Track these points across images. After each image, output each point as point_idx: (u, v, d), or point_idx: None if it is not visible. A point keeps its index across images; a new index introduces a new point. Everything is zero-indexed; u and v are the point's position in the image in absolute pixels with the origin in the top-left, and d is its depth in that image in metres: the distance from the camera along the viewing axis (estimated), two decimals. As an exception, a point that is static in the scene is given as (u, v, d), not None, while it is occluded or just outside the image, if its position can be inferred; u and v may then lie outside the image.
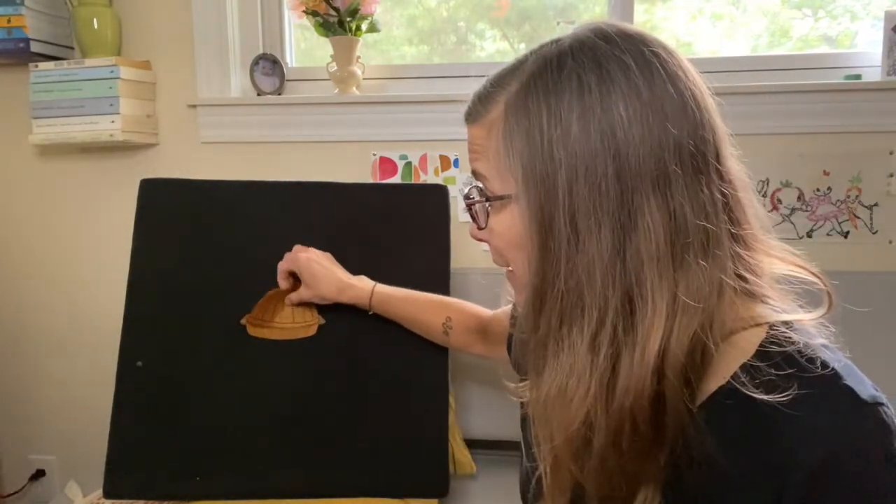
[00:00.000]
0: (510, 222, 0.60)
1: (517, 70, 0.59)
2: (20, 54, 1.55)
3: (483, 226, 0.64)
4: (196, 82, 1.59)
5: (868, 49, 1.48)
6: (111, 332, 1.25)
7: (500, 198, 0.60)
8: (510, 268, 0.65)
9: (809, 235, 1.43)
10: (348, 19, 1.54)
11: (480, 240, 0.67)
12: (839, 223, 1.42)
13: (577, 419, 0.54)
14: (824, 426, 0.49)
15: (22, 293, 1.71)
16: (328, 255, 1.18)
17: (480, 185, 0.63)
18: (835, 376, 0.51)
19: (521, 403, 0.73)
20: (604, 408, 0.53)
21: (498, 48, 1.71)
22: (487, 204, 0.63)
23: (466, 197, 0.65)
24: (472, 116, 0.63)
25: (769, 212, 1.44)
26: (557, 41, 0.59)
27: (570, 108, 0.54)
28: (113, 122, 1.51)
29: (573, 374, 0.54)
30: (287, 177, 1.33)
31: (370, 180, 1.55)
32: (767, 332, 0.55)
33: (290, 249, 1.22)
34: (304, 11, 1.55)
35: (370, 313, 1.16)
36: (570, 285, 0.54)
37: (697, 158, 0.54)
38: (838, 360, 0.53)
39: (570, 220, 0.54)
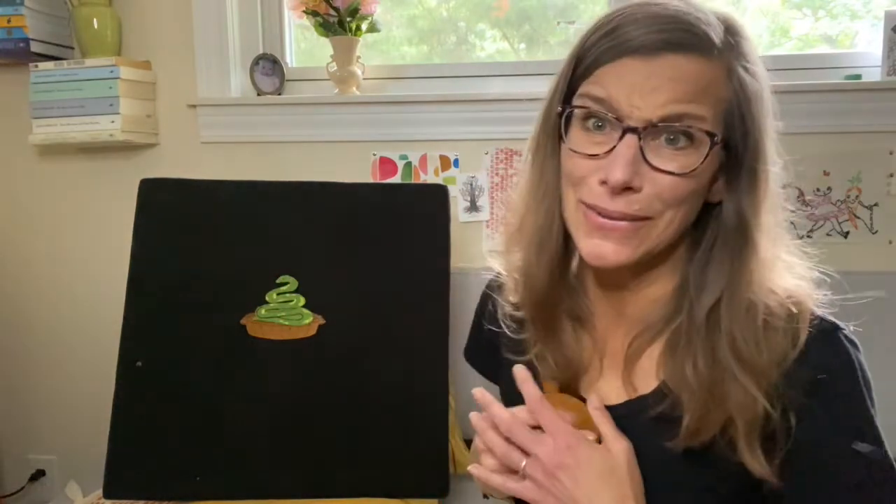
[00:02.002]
0: (710, 167, 0.60)
1: (707, 23, 0.58)
2: (20, 54, 1.55)
3: (693, 169, 0.58)
4: (196, 82, 1.59)
5: (868, 49, 1.48)
6: (111, 332, 1.25)
7: (722, 141, 0.59)
8: (647, 219, 0.60)
9: (809, 235, 1.42)
10: (348, 19, 1.54)
11: (630, 190, 0.59)
12: (839, 223, 1.42)
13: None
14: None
15: (22, 293, 1.71)
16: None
17: (689, 125, 0.58)
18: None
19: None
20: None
21: (498, 48, 1.71)
22: (714, 146, 0.59)
23: (685, 134, 0.58)
24: (705, 46, 0.57)
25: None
26: (697, 4, 0.60)
27: (760, 63, 0.61)
28: (113, 121, 1.51)
29: None
30: (287, 177, 1.33)
31: (370, 180, 1.55)
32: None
33: (289, 249, 1.22)
34: (304, 11, 1.55)
35: None
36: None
37: None
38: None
39: (765, 165, 0.61)
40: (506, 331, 0.74)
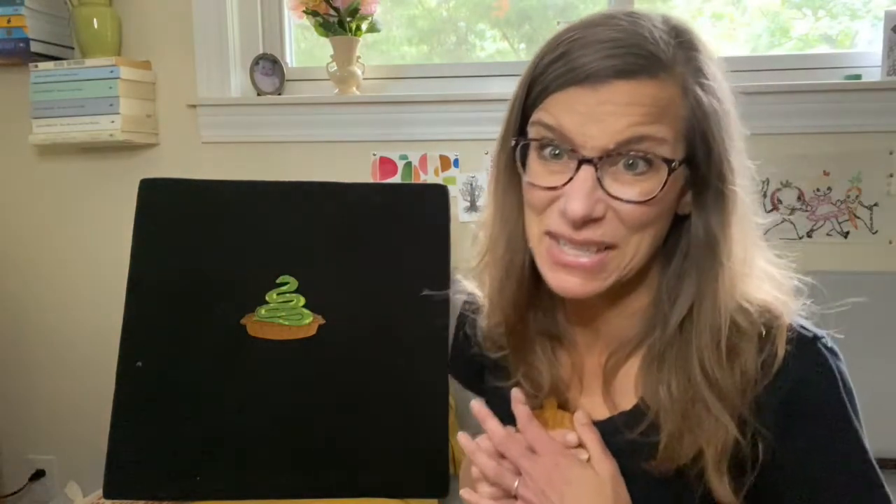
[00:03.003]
0: (674, 188, 0.58)
1: (656, 41, 0.56)
2: (20, 54, 1.55)
3: (653, 196, 0.56)
4: (196, 82, 1.59)
5: (868, 49, 1.48)
6: (111, 332, 1.25)
7: (684, 161, 0.57)
8: (614, 248, 0.58)
9: (809, 235, 1.42)
10: (348, 19, 1.54)
11: (593, 220, 0.57)
12: (839, 223, 1.42)
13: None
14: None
15: (21, 293, 1.71)
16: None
17: (644, 151, 0.55)
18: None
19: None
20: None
21: (498, 48, 1.71)
22: (672, 171, 0.56)
23: (643, 160, 0.56)
24: (652, 68, 0.55)
25: (768, 212, 1.44)
26: (648, 18, 0.58)
27: (717, 76, 0.59)
28: (113, 121, 1.51)
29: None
30: (287, 177, 1.33)
31: (370, 180, 1.55)
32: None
33: (290, 249, 1.22)
34: (304, 11, 1.55)
35: None
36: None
37: None
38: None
39: (731, 183, 0.58)
40: (486, 353, 0.73)
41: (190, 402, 1.19)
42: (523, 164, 0.61)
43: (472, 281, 0.76)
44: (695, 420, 0.59)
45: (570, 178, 0.56)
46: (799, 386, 0.59)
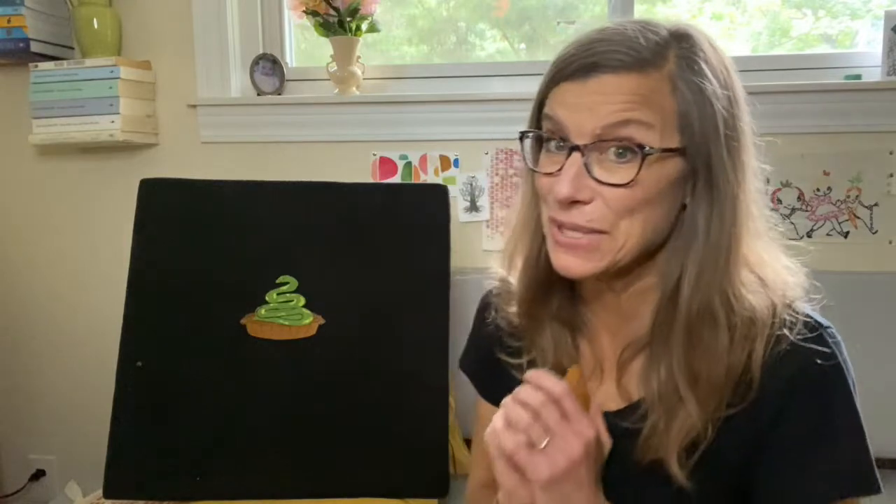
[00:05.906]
0: (663, 176, 0.61)
1: (638, 40, 0.61)
2: (20, 54, 1.55)
3: (631, 180, 0.59)
4: (196, 82, 1.59)
5: (868, 49, 1.48)
6: (111, 332, 1.25)
7: (672, 150, 0.60)
8: (603, 233, 0.62)
9: (809, 235, 1.42)
10: (348, 19, 1.54)
11: (576, 202, 0.62)
12: (839, 223, 1.42)
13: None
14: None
15: (21, 293, 1.71)
16: None
17: (630, 136, 0.59)
18: None
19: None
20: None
21: (498, 48, 1.71)
22: (647, 156, 0.59)
23: (629, 148, 0.60)
24: (637, 64, 0.60)
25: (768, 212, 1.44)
26: (653, 24, 0.63)
27: (717, 74, 0.63)
28: (113, 122, 1.51)
29: None
30: (287, 177, 1.33)
31: (370, 180, 1.55)
32: None
33: (289, 249, 1.22)
34: (304, 11, 1.55)
35: None
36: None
37: None
38: None
39: (733, 168, 0.62)
40: (504, 337, 0.77)
41: (190, 402, 1.19)
42: (536, 157, 0.67)
43: (503, 265, 0.79)
44: (672, 414, 0.62)
45: (563, 165, 0.62)
46: (803, 375, 0.62)
